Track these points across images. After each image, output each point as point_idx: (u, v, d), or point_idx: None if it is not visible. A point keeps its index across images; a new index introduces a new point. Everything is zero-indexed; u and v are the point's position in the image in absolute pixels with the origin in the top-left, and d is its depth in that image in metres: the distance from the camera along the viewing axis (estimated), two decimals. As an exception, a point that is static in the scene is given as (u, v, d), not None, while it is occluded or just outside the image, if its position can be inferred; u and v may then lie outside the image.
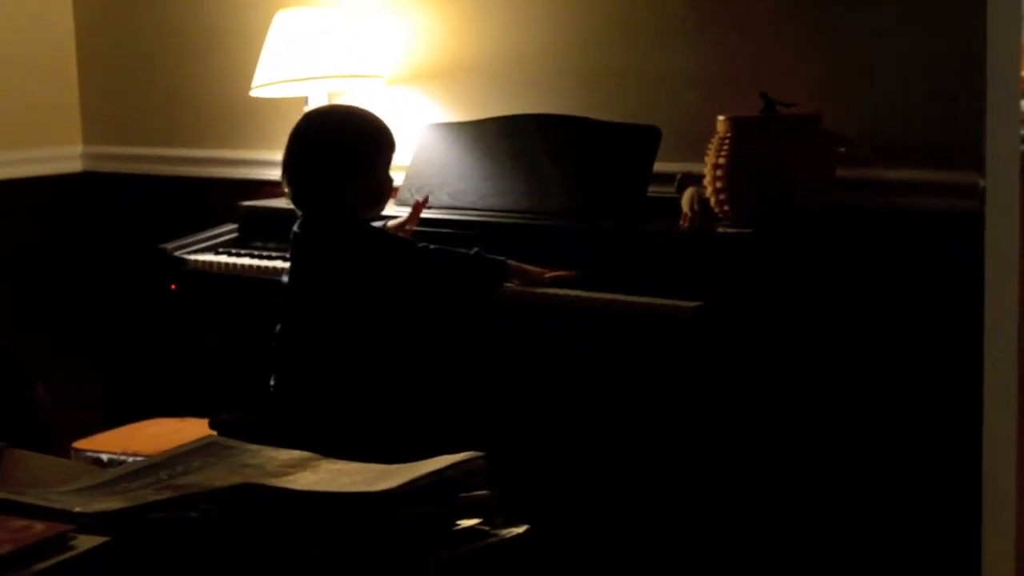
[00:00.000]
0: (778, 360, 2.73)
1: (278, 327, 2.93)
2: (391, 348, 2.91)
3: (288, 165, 2.91)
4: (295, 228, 2.93)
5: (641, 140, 3.01)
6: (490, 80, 3.54)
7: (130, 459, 3.30)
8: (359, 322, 2.87)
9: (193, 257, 3.47)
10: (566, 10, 3.41)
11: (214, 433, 2.55)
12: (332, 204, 2.87)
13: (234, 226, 3.59)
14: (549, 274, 2.89)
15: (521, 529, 1.33)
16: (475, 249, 2.92)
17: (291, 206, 3.25)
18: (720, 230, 2.83)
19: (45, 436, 3.22)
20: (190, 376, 4.13)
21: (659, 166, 2.99)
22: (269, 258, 3.35)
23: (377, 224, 3.03)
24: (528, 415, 3.03)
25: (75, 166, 4.49)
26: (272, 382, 2.95)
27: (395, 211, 3.24)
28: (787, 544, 2.84)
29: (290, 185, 2.91)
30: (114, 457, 3.42)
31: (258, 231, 3.51)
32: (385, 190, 2.93)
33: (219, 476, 1.37)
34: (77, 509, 1.27)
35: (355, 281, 2.86)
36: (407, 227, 3.09)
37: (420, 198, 3.15)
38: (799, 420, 2.82)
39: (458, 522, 1.32)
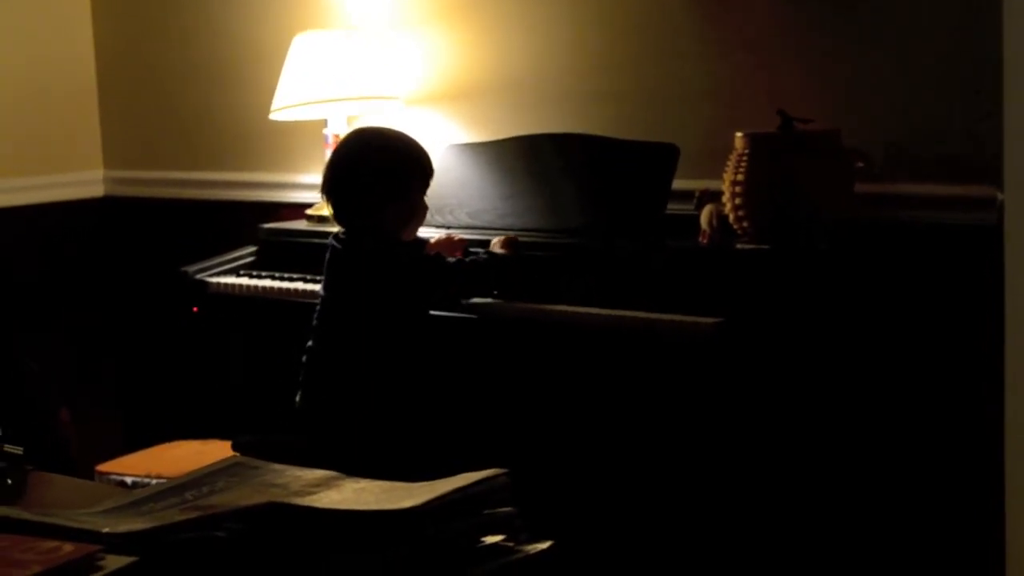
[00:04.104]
0: (799, 375, 2.72)
1: (309, 342, 2.96)
2: (419, 364, 2.94)
3: (328, 182, 2.99)
4: (333, 242, 2.96)
5: (659, 158, 3.02)
6: (508, 100, 3.55)
7: (154, 481, 3.31)
8: (393, 339, 2.90)
9: (214, 280, 3.49)
10: (583, 29, 3.42)
11: (237, 454, 2.56)
12: (368, 224, 2.94)
13: (254, 248, 3.61)
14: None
15: (545, 545, 1.34)
16: (483, 253, 3.01)
17: (311, 227, 3.26)
18: (739, 246, 2.83)
19: (69, 459, 3.24)
20: (212, 398, 4.14)
21: (678, 183, 2.99)
22: (289, 280, 3.36)
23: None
24: (550, 432, 3.03)
25: (96, 191, 4.51)
26: (298, 398, 2.97)
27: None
28: (811, 555, 2.83)
29: (330, 202, 2.99)
30: (138, 480, 3.43)
31: (278, 253, 3.53)
32: (419, 214, 3.02)
33: (245, 496, 1.37)
34: (105, 530, 1.28)
35: (393, 300, 2.91)
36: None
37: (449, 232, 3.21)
38: (820, 434, 2.81)
39: (483, 539, 1.33)
